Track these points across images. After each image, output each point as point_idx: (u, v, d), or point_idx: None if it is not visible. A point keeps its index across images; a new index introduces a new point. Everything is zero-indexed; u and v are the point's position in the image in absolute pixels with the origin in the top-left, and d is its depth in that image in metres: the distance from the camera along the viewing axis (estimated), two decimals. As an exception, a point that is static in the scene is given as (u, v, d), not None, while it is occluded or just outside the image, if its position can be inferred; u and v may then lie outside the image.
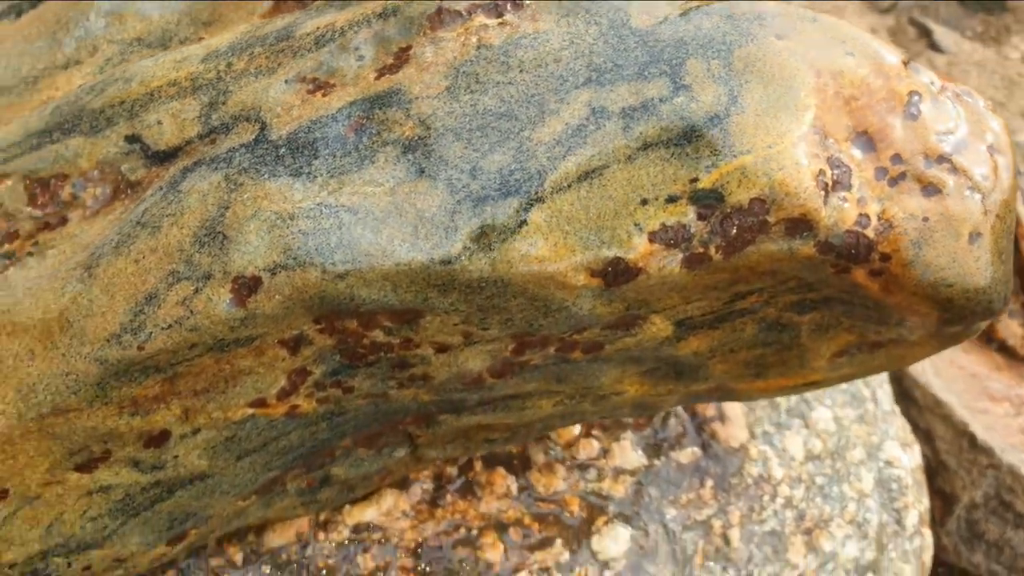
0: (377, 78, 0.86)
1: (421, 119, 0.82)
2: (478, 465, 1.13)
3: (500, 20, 0.86)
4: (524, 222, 0.78)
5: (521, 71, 0.82)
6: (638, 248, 0.78)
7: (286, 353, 0.84)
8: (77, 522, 0.91)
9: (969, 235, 0.80)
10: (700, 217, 0.78)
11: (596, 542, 1.11)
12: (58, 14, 1.08)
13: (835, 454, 1.27)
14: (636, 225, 0.78)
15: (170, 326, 0.80)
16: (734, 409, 1.22)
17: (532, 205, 0.78)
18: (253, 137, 0.86)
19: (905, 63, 0.85)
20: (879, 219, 0.80)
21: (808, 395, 1.29)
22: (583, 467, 1.15)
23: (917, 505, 1.34)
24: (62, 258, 0.88)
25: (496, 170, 0.79)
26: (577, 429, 1.16)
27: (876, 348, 0.93)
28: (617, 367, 0.91)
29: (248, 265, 0.79)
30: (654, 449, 1.17)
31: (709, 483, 1.18)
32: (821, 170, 0.78)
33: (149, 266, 0.82)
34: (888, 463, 1.32)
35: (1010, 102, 2.60)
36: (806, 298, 0.86)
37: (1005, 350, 1.84)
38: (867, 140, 0.82)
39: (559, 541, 1.10)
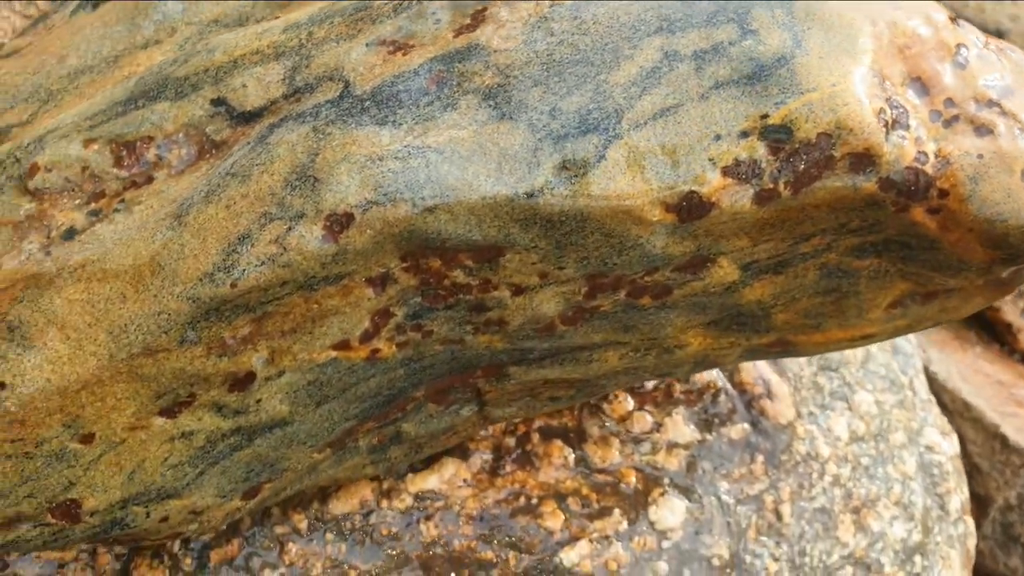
0: (455, 36, 0.91)
1: (500, 69, 0.87)
2: (535, 437, 1.15)
3: (572, -19, 0.92)
4: (603, 157, 0.82)
5: (594, 23, 0.88)
6: (712, 182, 0.82)
7: (372, 292, 0.87)
8: (158, 469, 0.92)
9: (1022, 172, 0.85)
10: (771, 152, 0.82)
11: (653, 512, 1.13)
12: (136, 2, 1.14)
13: (878, 436, 1.30)
14: (710, 160, 0.82)
15: (263, 263, 0.84)
16: (781, 388, 1.25)
17: (611, 142, 0.82)
18: (337, 94, 0.91)
19: (952, 19, 0.91)
20: (936, 157, 0.84)
21: (849, 379, 1.32)
22: (637, 440, 1.17)
23: (959, 492, 1.36)
24: (149, 212, 0.92)
25: (575, 110, 0.84)
26: (630, 404, 1.18)
27: (930, 299, 0.97)
28: (683, 316, 0.95)
29: (340, 203, 0.83)
30: (705, 424, 1.20)
31: (760, 459, 1.20)
32: (881, 108, 0.83)
33: (241, 210, 0.86)
34: (929, 448, 1.35)
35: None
36: (866, 241, 0.90)
37: (1027, 361, 1.88)
38: (921, 85, 0.87)
39: (617, 511, 1.12)
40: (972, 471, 1.65)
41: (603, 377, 1.02)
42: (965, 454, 1.65)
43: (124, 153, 0.97)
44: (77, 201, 0.97)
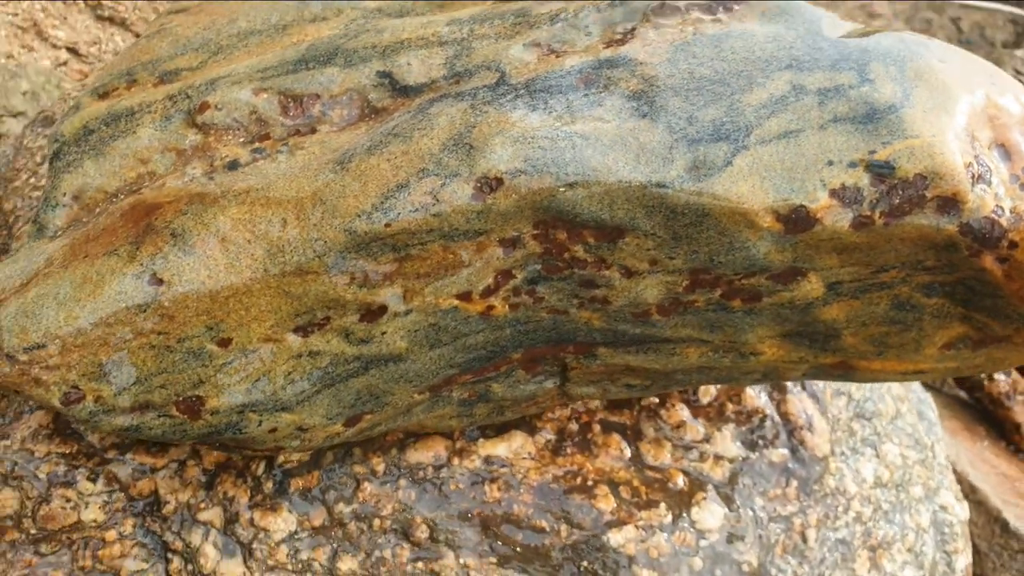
0: (605, 48, 1.05)
1: (644, 78, 1.00)
2: (596, 428, 1.25)
3: (713, 17, 1.06)
4: (730, 163, 0.94)
5: (732, 52, 1.01)
6: (820, 200, 0.94)
7: (501, 252, 0.98)
8: (280, 381, 1.02)
9: (1083, 238, 0.97)
10: (873, 184, 0.95)
11: (695, 513, 1.22)
12: (304, -17, 1.27)
13: (899, 486, 1.40)
14: (821, 181, 0.95)
15: (417, 210, 0.95)
16: (821, 424, 1.35)
17: (738, 152, 0.95)
18: (494, 81, 1.04)
19: (1033, 98, 1.04)
20: (1011, 212, 0.97)
21: (880, 431, 1.42)
22: (687, 447, 1.27)
23: (965, 553, 1.45)
24: (312, 156, 1.04)
25: (710, 120, 0.96)
26: (686, 414, 1.28)
27: (980, 345, 1.08)
28: (765, 324, 1.06)
29: (492, 168, 0.95)
30: (751, 444, 1.30)
31: (794, 484, 1.30)
32: (970, 163, 0.96)
33: (400, 164, 0.98)
34: (943, 508, 1.45)
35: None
36: (936, 280, 1.02)
37: (1031, 462, 1.98)
38: (1005, 151, 1.00)
39: (663, 505, 1.21)
40: (972, 552, 1.73)
41: (679, 372, 1.12)
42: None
43: (291, 104, 1.09)
44: (242, 139, 1.09)
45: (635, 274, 1.00)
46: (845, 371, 1.12)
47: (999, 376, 2.11)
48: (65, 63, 2.10)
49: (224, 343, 0.99)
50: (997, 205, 0.96)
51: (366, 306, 0.99)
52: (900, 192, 0.95)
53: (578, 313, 1.04)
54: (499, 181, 0.94)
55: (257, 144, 1.08)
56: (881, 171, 0.95)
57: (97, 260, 1.00)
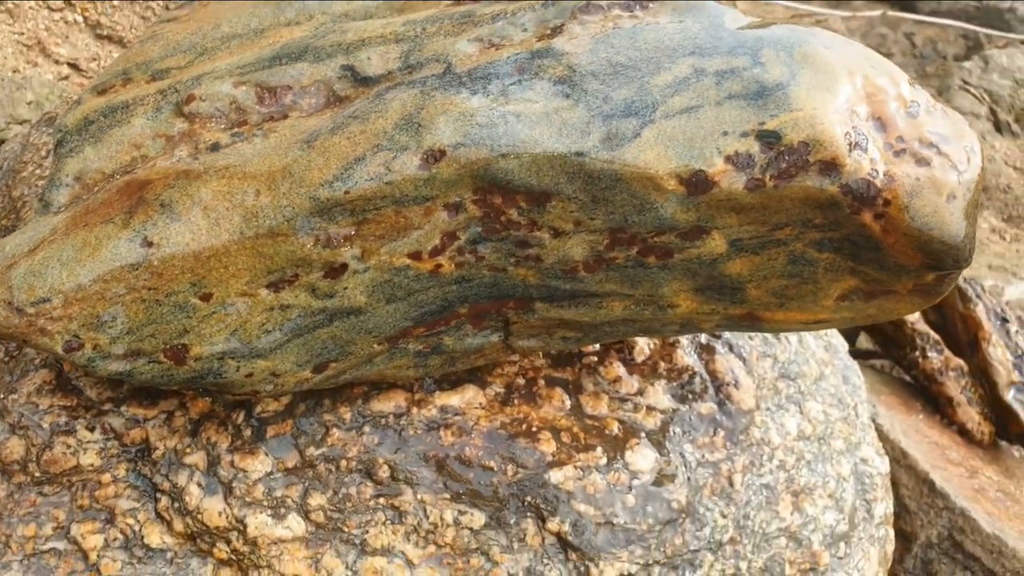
0: (537, 41, 1.21)
1: (569, 65, 1.16)
2: (541, 382, 1.40)
3: (631, 14, 1.22)
4: (638, 135, 1.10)
5: (645, 43, 1.17)
6: (716, 165, 1.10)
7: (446, 216, 1.14)
8: (255, 331, 1.17)
9: (947, 196, 1.13)
10: (763, 150, 1.10)
11: (629, 456, 1.37)
12: (279, -9, 1.44)
13: (821, 439, 1.55)
14: (717, 149, 1.10)
15: (371, 179, 1.10)
16: (747, 380, 1.50)
17: (645, 125, 1.11)
18: (442, 71, 1.20)
19: (911, 83, 1.20)
20: (885, 174, 1.12)
21: (804, 390, 1.58)
22: (623, 399, 1.41)
23: (884, 503, 1.60)
24: (283, 137, 1.19)
25: (622, 99, 1.12)
26: (622, 370, 1.44)
27: (871, 297, 1.24)
28: (678, 279, 1.21)
29: (436, 142, 1.10)
30: (680, 398, 1.44)
31: (721, 434, 1.45)
32: (847, 132, 1.12)
33: (358, 141, 1.13)
34: (863, 460, 1.59)
35: (978, 257, 3.02)
36: (826, 237, 1.17)
37: (964, 433, 2.13)
38: (881, 124, 1.16)
39: (600, 448, 1.36)
40: (901, 511, 1.88)
41: (607, 324, 1.27)
42: (897, 497, 1.88)
43: (266, 95, 1.25)
44: (223, 126, 1.24)
45: (562, 234, 1.16)
46: (752, 322, 1.27)
47: (932, 354, 2.27)
48: (67, 77, 2.28)
49: (206, 297, 1.14)
50: (872, 168, 1.12)
51: (329, 264, 1.15)
52: (786, 157, 1.11)
53: (515, 270, 1.20)
54: (442, 153, 1.10)
55: (236, 129, 1.23)
56: (769, 140, 1.11)
57: (95, 228, 1.15)
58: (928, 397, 2.26)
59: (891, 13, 3.48)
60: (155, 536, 1.26)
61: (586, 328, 1.28)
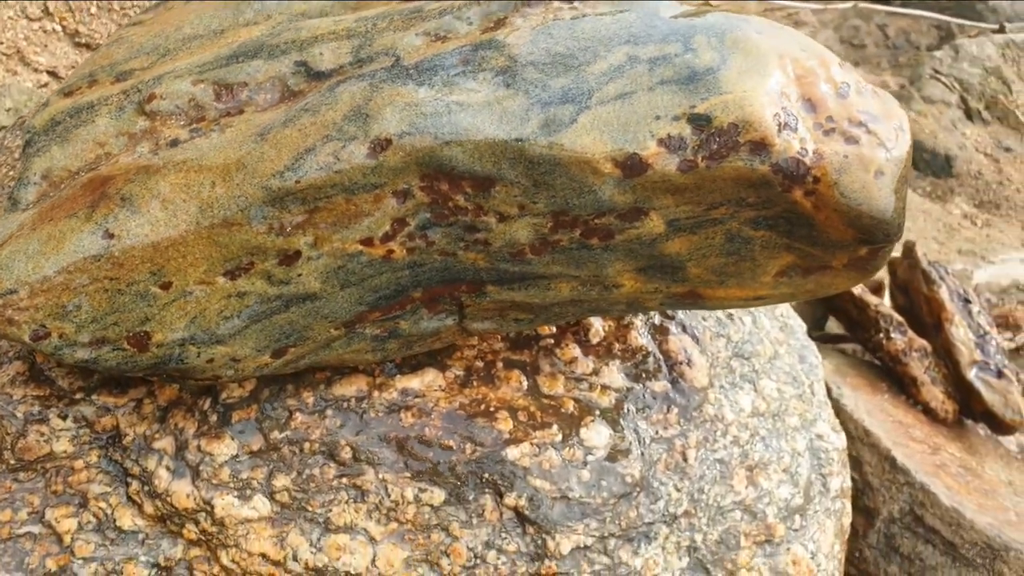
0: (481, 33, 1.26)
1: (510, 56, 1.21)
2: (499, 365, 1.45)
3: (571, 5, 1.27)
4: (575, 120, 1.15)
5: (583, 33, 1.22)
6: (650, 148, 1.15)
7: (395, 202, 1.19)
8: (214, 319, 1.22)
9: (875, 172, 1.18)
10: (694, 132, 1.15)
11: (583, 432, 1.42)
12: (239, -7, 1.49)
13: (776, 416, 1.60)
14: (650, 132, 1.15)
15: (321, 168, 1.15)
16: (700, 359, 1.55)
17: (582, 111, 1.16)
18: (390, 64, 1.25)
19: (841, 64, 1.25)
20: (814, 153, 1.17)
21: (758, 368, 1.63)
22: (578, 379, 1.46)
23: (840, 477, 1.64)
24: (239, 132, 1.24)
25: (560, 87, 1.17)
26: (577, 351, 1.48)
27: (808, 273, 1.29)
28: (620, 259, 1.26)
29: (383, 132, 1.16)
30: (634, 376, 1.49)
31: (675, 411, 1.49)
32: (776, 113, 1.17)
33: (309, 132, 1.18)
34: (819, 436, 1.64)
35: (949, 242, 3.07)
36: (760, 215, 1.22)
37: (928, 412, 2.18)
38: (810, 105, 1.21)
39: (555, 426, 1.41)
40: (864, 488, 1.93)
41: (556, 305, 1.32)
42: (860, 474, 1.93)
43: (223, 92, 1.30)
44: (182, 123, 1.29)
45: (507, 218, 1.21)
46: (694, 299, 1.32)
47: (895, 335, 2.32)
48: (46, 84, 2.34)
49: (166, 286, 1.19)
50: (802, 147, 1.17)
51: (283, 252, 1.20)
52: (717, 139, 1.16)
53: (465, 255, 1.24)
54: (388, 142, 1.15)
55: (195, 125, 1.28)
56: (700, 122, 1.16)
57: (60, 222, 1.20)
58: (894, 378, 2.31)
59: (863, 4, 3.53)
60: (127, 519, 1.31)
61: (537, 309, 1.33)
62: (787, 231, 1.24)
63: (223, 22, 1.45)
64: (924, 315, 2.37)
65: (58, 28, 2.29)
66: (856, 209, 1.18)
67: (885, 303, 2.40)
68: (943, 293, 2.33)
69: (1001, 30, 3.79)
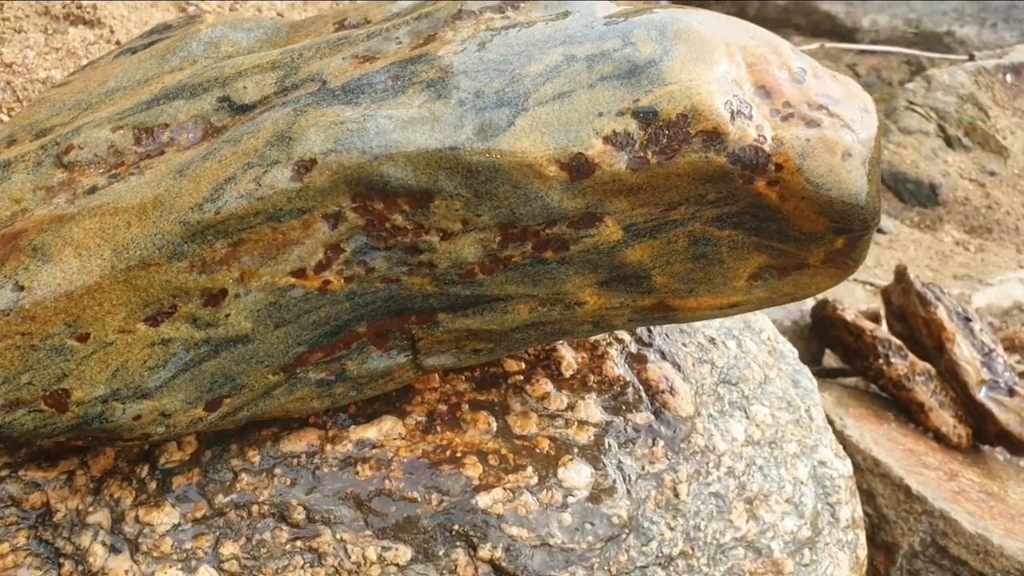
0: (411, 51, 1.19)
1: (441, 67, 1.14)
2: (465, 407, 1.33)
3: (503, 15, 1.21)
4: (512, 124, 1.07)
5: (516, 39, 1.15)
6: (595, 146, 1.06)
7: (327, 228, 1.10)
8: (138, 370, 1.12)
9: (842, 154, 1.09)
10: (641, 127, 1.07)
11: (562, 473, 1.29)
12: (167, 46, 1.43)
13: (773, 443, 1.47)
14: (594, 130, 1.07)
15: (242, 196, 1.07)
16: (683, 387, 1.44)
17: (519, 113, 1.07)
18: (316, 88, 1.17)
19: (794, 50, 1.18)
20: (773, 140, 1.09)
21: (748, 394, 1.51)
22: (552, 416, 1.35)
23: (850, 506, 1.51)
24: (158, 172, 1.16)
25: (494, 92, 1.09)
26: (549, 387, 1.37)
27: (784, 273, 1.19)
28: (579, 273, 1.16)
29: (306, 152, 1.07)
30: (613, 409, 1.38)
31: (661, 443, 1.37)
32: (728, 101, 1.08)
33: (229, 163, 1.10)
34: (822, 463, 1.51)
35: (943, 269, 2.97)
36: (724, 212, 1.13)
37: (939, 438, 2.04)
38: (765, 91, 1.13)
39: (530, 468, 1.29)
40: (880, 522, 1.78)
41: (516, 330, 1.22)
42: (874, 507, 1.79)
43: (143, 135, 1.22)
44: (101, 170, 1.21)
45: (451, 235, 1.11)
46: (665, 312, 1.22)
47: (896, 360, 2.20)
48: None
49: (83, 338, 1.09)
50: (759, 135, 1.09)
51: (207, 291, 1.10)
52: (666, 132, 1.07)
53: (409, 280, 1.15)
54: (313, 162, 1.07)
55: (113, 171, 1.20)
56: (646, 116, 1.07)
57: (-34, 279, 1.10)
58: (899, 406, 2.18)
59: (830, 45, 3.51)
60: (59, 606, 1.18)
61: (496, 337, 1.23)
62: (755, 228, 1.15)
63: (147, 72, 1.38)
64: (924, 338, 2.26)
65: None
66: (826, 195, 1.09)
67: (882, 329, 2.29)
68: (941, 313, 2.22)
69: (971, 59, 3.75)
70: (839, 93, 1.16)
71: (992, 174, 3.35)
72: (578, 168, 1.07)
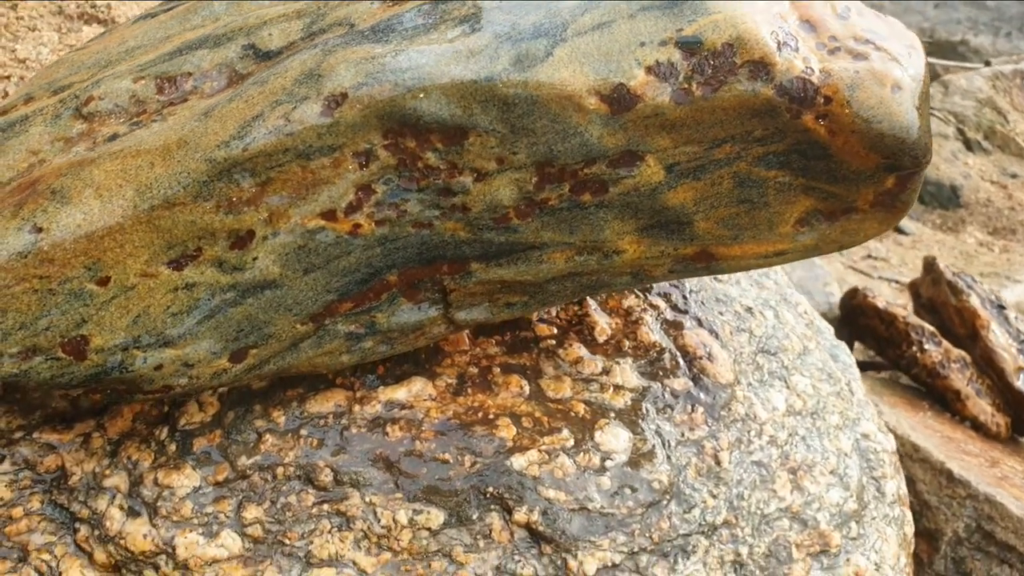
0: (440, -9, 1.15)
1: (474, 3, 1.10)
2: (496, 370, 1.28)
3: (534, -47, 1.17)
4: (550, 54, 1.03)
5: (550, -27, 1.11)
6: (637, 77, 1.02)
7: (357, 166, 1.05)
8: (160, 316, 1.07)
9: (891, 87, 1.05)
10: (684, 57, 1.03)
11: (599, 436, 1.24)
12: (188, 7, 1.40)
13: (814, 414, 1.41)
14: (636, 60, 1.03)
15: (271, 132, 1.03)
16: (721, 353, 1.38)
17: (557, 44, 1.03)
18: (344, 32, 1.14)
19: (835, -11, 1.14)
20: (820, 72, 1.05)
21: (787, 364, 1.45)
22: (587, 380, 1.29)
23: (895, 480, 1.45)
24: (181, 117, 1.12)
25: (530, 24, 1.05)
26: (583, 351, 1.32)
27: (832, 218, 1.14)
28: (618, 217, 1.11)
29: (337, 87, 1.03)
30: (650, 374, 1.32)
31: (700, 410, 1.32)
32: (774, 31, 1.04)
33: (256, 101, 1.06)
34: (865, 436, 1.45)
35: (968, 268, 2.92)
36: (770, 151, 1.09)
37: (977, 428, 1.98)
38: (809, 26, 1.09)
39: (566, 431, 1.23)
40: (922, 508, 1.72)
41: (552, 281, 1.17)
42: (914, 493, 1.72)
43: (166, 84, 1.18)
44: (122, 120, 1.17)
45: (486, 175, 1.07)
46: (707, 261, 1.17)
47: (929, 346, 2.14)
48: None
49: (103, 282, 1.05)
50: (806, 66, 1.05)
51: (234, 232, 1.05)
52: (711, 62, 1.03)
53: (442, 225, 1.10)
54: (344, 96, 1.03)
55: (135, 119, 1.16)
56: (690, 45, 1.03)
57: (-18, 224, 1.06)
58: (934, 395, 2.11)
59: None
60: (75, 571, 1.12)
61: (531, 289, 1.18)
62: (803, 167, 1.10)
63: (169, 31, 1.34)
64: (957, 327, 2.20)
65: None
66: (876, 128, 1.04)
67: (911, 313, 2.23)
68: (974, 301, 2.16)
69: (987, 65, 3.75)
70: (884, 30, 1.12)
71: (1014, 176, 3.32)
72: (619, 100, 1.02)
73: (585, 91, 1.02)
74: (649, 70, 1.03)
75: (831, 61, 1.06)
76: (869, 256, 3.06)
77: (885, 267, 3.01)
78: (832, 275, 2.60)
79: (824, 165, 1.09)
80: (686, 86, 1.03)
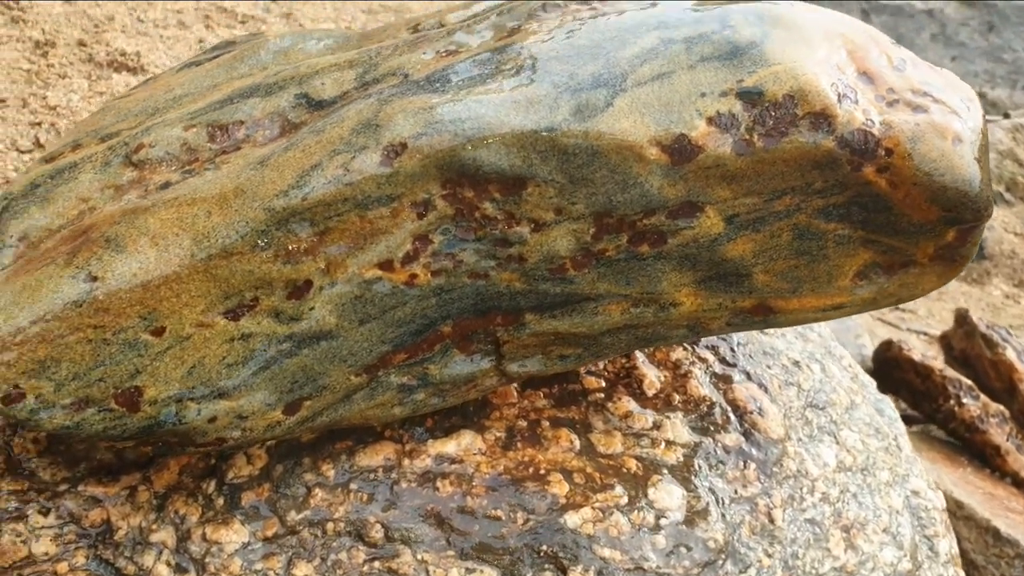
0: (496, 42, 1.16)
1: (531, 55, 1.10)
2: (545, 424, 1.26)
3: (590, 7, 1.18)
4: (611, 104, 1.03)
5: (607, 26, 1.12)
6: (699, 127, 1.02)
7: (415, 216, 1.05)
8: (216, 367, 1.05)
9: (952, 139, 1.04)
10: (745, 108, 1.03)
11: (652, 493, 1.21)
12: (235, 56, 1.41)
13: (864, 470, 1.39)
14: (697, 111, 1.03)
15: (330, 182, 1.02)
16: (771, 408, 1.36)
17: (617, 94, 1.03)
18: (398, 81, 1.14)
19: (892, 42, 1.14)
20: (881, 124, 1.04)
21: (836, 419, 1.43)
22: (638, 435, 1.27)
23: (947, 539, 1.41)
24: (235, 166, 1.12)
25: (589, 74, 1.05)
26: (633, 405, 1.30)
27: (891, 271, 1.13)
28: (676, 269, 1.10)
29: (396, 137, 1.03)
30: (701, 430, 1.30)
31: (752, 466, 1.29)
32: (833, 83, 1.04)
33: (314, 151, 1.06)
34: (915, 493, 1.42)
35: (996, 320, 2.90)
36: (830, 203, 1.08)
37: (1019, 484, 1.94)
38: (867, 78, 1.09)
39: (619, 487, 1.20)
40: (968, 568, 1.68)
41: (607, 334, 1.15)
42: (960, 552, 1.68)
43: (218, 132, 1.19)
44: (174, 167, 1.17)
45: (544, 226, 1.06)
46: (765, 314, 1.15)
47: (967, 400, 2.11)
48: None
49: (158, 332, 1.03)
50: (867, 118, 1.04)
51: (292, 282, 1.04)
52: (772, 113, 1.03)
53: (498, 275, 1.09)
54: (403, 146, 1.02)
55: (187, 167, 1.16)
56: (751, 96, 1.03)
57: (36, 272, 1.05)
58: (973, 451, 2.08)
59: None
60: (118, 630, 1.09)
61: (585, 342, 1.16)
62: (863, 220, 1.09)
63: (215, 79, 1.35)
64: (992, 381, 2.18)
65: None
66: (938, 181, 1.03)
67: (947, 368, 2.21)
68: (1010, 354, 2.14)
69: (1007, 117, 3.78)
70: (941, 82, 1.12)
71: (1038, 229, 3.33)
72: (680, 151, 1.02)
73: (646, 141, 1.02)
74: (710, 121, 1.02)
75: (891, 113, 1.06)
76: (897, 308, 3.06)
77: (913, 319, 3.00)
78: (863, 327, 2.59)
79: (884, 218, 1.08)
80: (747, 137, 1.03)
